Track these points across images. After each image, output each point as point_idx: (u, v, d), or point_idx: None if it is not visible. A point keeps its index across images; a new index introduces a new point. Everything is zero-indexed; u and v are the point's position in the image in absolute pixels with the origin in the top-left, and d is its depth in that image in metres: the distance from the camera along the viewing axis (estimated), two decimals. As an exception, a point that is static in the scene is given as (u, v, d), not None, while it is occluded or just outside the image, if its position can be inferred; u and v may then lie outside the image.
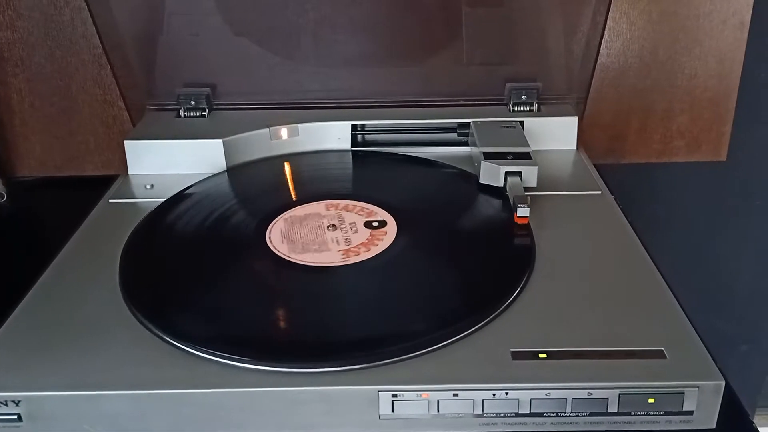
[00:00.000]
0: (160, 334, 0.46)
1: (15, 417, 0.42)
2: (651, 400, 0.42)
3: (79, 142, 0.81)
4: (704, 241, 0.98)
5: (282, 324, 0.49)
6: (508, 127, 0.69)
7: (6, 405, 0.42)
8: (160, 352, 0.45)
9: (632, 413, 0.42)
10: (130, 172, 0.69)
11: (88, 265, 0.54)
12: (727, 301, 1.04)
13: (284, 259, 0.54)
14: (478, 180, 0.64)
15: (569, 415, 0.42)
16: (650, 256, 0.54)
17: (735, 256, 1.00)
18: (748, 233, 0.98)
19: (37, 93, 0.79)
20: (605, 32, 0.75)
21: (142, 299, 0.49)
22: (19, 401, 0.42)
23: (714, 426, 0.42)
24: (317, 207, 0.61)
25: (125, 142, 0.69)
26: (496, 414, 0.42)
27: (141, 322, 0.47)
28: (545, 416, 0.42)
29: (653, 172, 0.88)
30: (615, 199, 0.62)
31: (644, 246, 0.55)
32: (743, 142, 0.85)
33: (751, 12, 0.76)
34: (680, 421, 0.42)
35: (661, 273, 0.51)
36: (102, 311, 0.49)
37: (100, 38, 0.74)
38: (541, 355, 0.44)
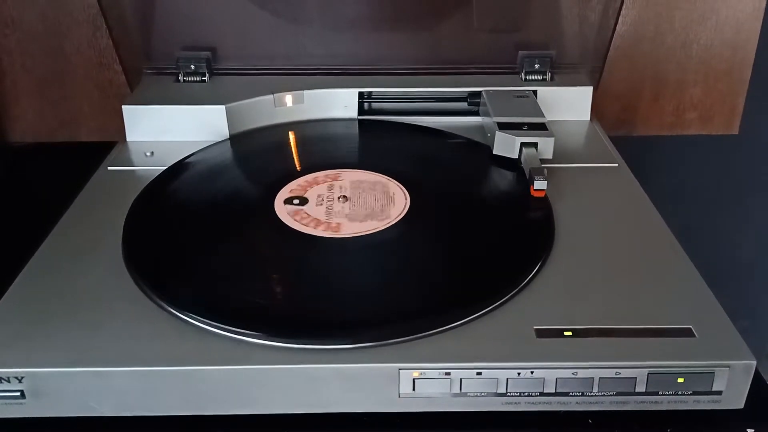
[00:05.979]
0: (168, 307, 0.44)
1: (18, 394, 0.40)
2: (680, 380, 0.40)
3: (73, 106, 0.78)
4: (708, 215, 0.97)
5: (297, 298, 0.47)
6: (521, 96, 0.67)
7: (8, 381, 0.40)
8: (168, 325, 0.43)
9: (660, 393, 0.41)
10: (128, 139, 0.66)
11: (88, 235, 0.52)
12: (729, 275, 1.03)
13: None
14: (490, 151, 0.62)
15: (595, 395, 0.41)
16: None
17: (738, 231, 0.99)
18: (753, 208, 0.97)
19: (29, 54, 0.75)
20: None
21: (147, 270, 0.47)
22: (22, 377, 0.40)
23: (743, 406, 0.41)
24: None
25: (123, 107, 0.66)
26: (520, 393, 0.41)
27: (147, 295, 0.45)
28: (570, 395, 0.41)
29: (662, 145, 0.86)
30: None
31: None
32: (756, 116, 0.83)
33: (770, -19, 0.73)
34: (708, 401, 0.41)
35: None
36: (105, 283, 0.47)
37: (95, -4, 0.71)
38: (566, 333, 0.42)
